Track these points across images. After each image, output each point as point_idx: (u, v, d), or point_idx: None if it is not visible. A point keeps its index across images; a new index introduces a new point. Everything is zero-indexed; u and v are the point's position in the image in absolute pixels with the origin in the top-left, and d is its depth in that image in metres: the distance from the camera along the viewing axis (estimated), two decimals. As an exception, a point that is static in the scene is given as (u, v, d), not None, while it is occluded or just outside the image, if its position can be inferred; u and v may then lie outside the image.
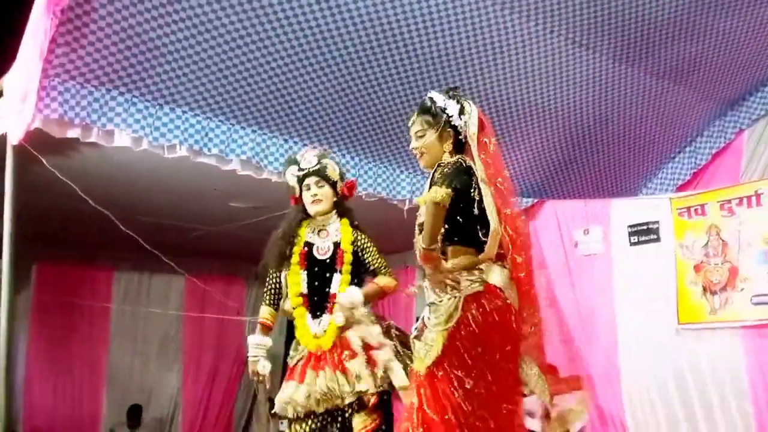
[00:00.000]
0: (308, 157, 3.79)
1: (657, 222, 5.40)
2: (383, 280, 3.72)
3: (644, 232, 5.47)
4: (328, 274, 3.68)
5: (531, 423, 3.95)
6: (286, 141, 4.74)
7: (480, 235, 2.89)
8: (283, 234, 3.77)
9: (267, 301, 3.82)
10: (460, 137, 3.02)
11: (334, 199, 3.78)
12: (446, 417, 2.70)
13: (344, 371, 3.48)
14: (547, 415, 3.06)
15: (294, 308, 3.69)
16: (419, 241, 2.86)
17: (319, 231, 3.75)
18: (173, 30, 3.89)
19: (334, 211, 3.79)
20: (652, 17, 4.85)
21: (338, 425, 3.54)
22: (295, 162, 3.82)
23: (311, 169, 3.73)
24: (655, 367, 5.28)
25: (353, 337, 3.56)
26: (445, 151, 3.01)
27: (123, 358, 8.24)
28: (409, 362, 3.42)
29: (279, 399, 3.60)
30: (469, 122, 3.00)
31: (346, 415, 3.52)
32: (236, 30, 4.03)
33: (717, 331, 5.01)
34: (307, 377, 3.52)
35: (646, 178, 6.73)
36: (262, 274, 3.85)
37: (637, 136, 6.15)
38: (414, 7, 4.24)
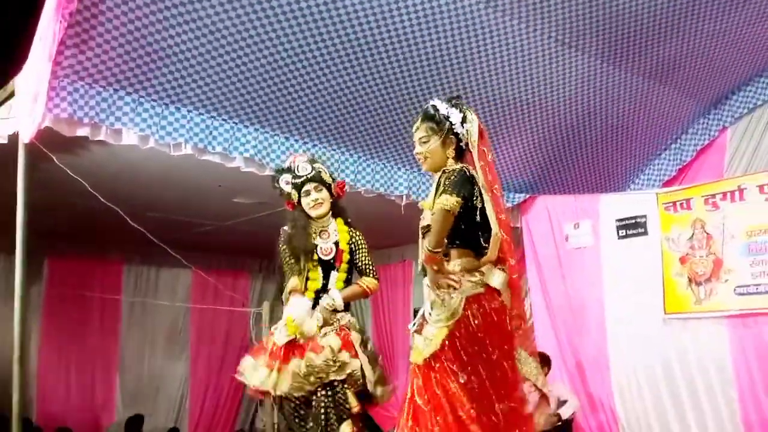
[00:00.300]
0: (302, 165, 3.80)
1: (644, 216, 5.41)
2: (367, 281, 3.77)
3: (632, 226, 5.47)
4: (330, 273, 3.72)
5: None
6: (287, 139, 4.73)
7: (481, 240, 2.92)
8: (304, 226, 3.77)
9: (294, 273, 3.82)
10: (461, 144, 3.03)
11: (331, 200, 3.81)
12: (436, 406, 2.73)
13: (319, 349, 3.53)
14: (543, 396, 3.08)
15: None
16: (424, 243, 2.88)
17: (320, 232, 3.77)
18: (178, 32, 3.88)
19: (330, 212, 3.82)
20: (637, 18, 4.84)
21: (329, 397, 3.55)
22: (288, 170, 3.83)
23: (309, 176, 3.76)
24: (643, 355, 5.29)
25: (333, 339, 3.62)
26: (448, 157, 3.03)
27: (134, 347, 8.24)
28: (372, 378, 3.58)
29: (261, 382, 3.61)
30: (471, 131, 3.01)
31: (338, 389, 3.54)
32: (239, 32, 4.01)
33: (702, 321, 5.02)
34: (289, 364, 3.55)
35: (634, 174, 6.73)
36: (284, 255, 3.83)
37: (624, 134, 6.15)
38: (410, 9, 4.23)
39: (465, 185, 2.85)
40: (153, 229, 4.79)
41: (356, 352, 3.64)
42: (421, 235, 2.99)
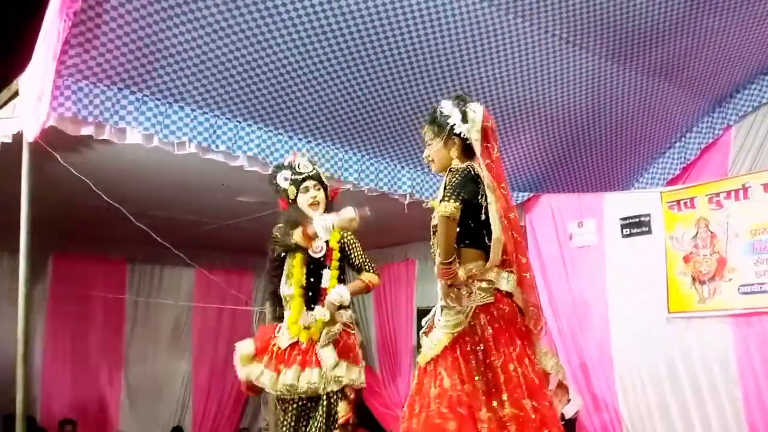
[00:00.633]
0: (303, 162, 3.86)
1: (648, 215, 5.39)
2: (368, 277, 3.82)
3: (636, 225, 5.46)
4: (321, 271, 3.75)
5: None
6: (290, 138, 4.73)
7: (486, 240, 2.93)
8: (293, 224, 3.78)
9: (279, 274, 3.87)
10: (468, 143, 3.02)
11: (326, 201, 3.85)
12: (433, 408, 2.77)
13: (318, 364, 3.58)
14: (560, 387, 3.07)
15: (293, 297, 3.75)
16: (435, 252, 2.89)
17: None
18: (182, 31, 3.88)
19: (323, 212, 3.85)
20: (642, 16, 4.83)
21: (321, 409, 3.61)
22: (288, 167, 3.87)
23: (310, 173, 3.81)
24: (646, 354, 5.27)
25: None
26: (452, 158, 3.03)
27: (138, 346, 8.27)
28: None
29: (262, 382, 3.67)
30: (472, 129, 2.99)
31: (332, 400, 3.60)
32: (242, 30, 4.01)
33: (706, 320, 5.01)
34: (289, 370, 3.60)
35: (638, 172, 6.72)
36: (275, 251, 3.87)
37: (628, 133, 6.14)
38: (414, 7, 4.23)
39: (467, 186, 2.86)
40: (156, 228, 4.80)
41: (356, 354, 3.67)
42: (432, 234, 3.01)
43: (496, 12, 4.46)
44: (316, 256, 3.74)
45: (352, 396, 3.63)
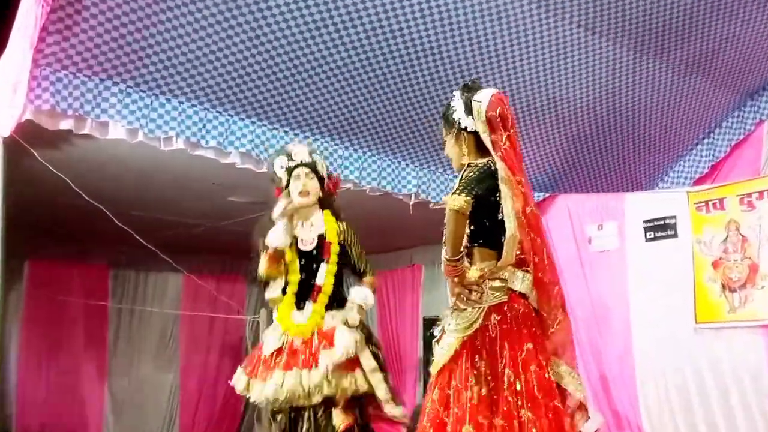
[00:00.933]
0: (300, 150, 3.93)
1: (674, 217, 5.37)
2: (371, 280, 3.89)
3: (660, 228, 5.44)
4: (314, 266, 3.80)
5: None
6: (287, 133, 4.72)
7: (502, 240, 2.91)
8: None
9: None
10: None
11: (320, 194, 3.90)
12: (449, 414, 2.80)
13: (317, 365, 3.59)
14: (580, 408, 3.05)
15: (285, 294, 3.82)
16: (442, 251, 2.90)
17: (302, 222, 3.82)
18: (169, 17, 3.86)
19: (316, 204, 3.91)
20: (671, 7, 4.81)
21: (313, 418, 3.64)
22: (285, 154, 3.95)
23: (304, 161, 3.88)
24: (672, 368, 5.25)
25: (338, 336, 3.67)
26: (464, 154, 3.02)
27: (122, 356, 8.24)
28: (381, 372, 3.69)
29: (260, 394, 3.70)
30: (477, 121, 2.96)
31: (318, 414, 3.64)
32: (234, 17, 4.00)
33: (737, 330, 4.98)
34: (285, 376, 3.63)
35: (663, 171, 6.70)
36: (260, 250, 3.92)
37: (653, 129, 6.12)
38: (421, -6, 4.22)
39: (483, 182, 2.86)
40: (141, 230, 4.80)
41: (356, 357, 3.67)
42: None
43: (515, 3, 4.44)
44: (305, 249, 3.81)
45: (342, 403, 3.64)
